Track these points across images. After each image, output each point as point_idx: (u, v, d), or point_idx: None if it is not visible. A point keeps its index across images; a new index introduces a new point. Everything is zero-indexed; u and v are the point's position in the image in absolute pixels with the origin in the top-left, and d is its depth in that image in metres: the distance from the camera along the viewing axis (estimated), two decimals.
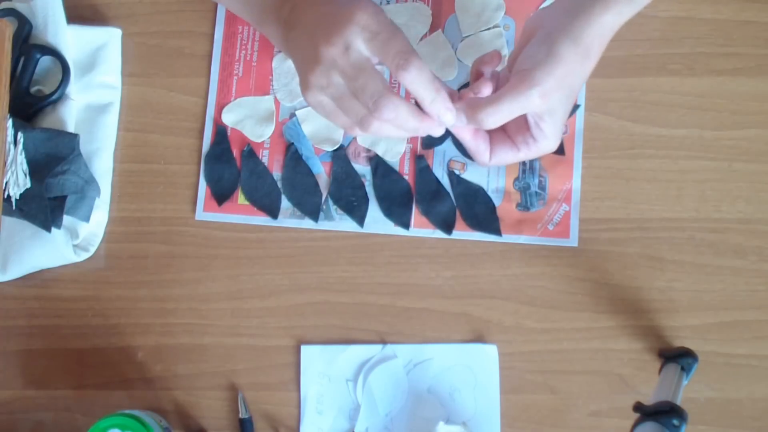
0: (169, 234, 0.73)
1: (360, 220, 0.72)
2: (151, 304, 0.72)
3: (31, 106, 0.72)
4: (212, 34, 0.75)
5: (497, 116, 0.56)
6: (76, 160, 0.70)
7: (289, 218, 0.72)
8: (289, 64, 0.74)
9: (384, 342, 0.71)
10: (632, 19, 0.60)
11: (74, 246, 0.71)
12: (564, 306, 0.70)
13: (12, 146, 0.69)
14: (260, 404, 0.70)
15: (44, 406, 0.71)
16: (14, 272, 0.71)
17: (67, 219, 0.70)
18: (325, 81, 0.57)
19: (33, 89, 0.73)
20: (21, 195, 0.69)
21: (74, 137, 0.70)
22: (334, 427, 0.70)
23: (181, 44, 0.75)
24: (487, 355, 0.70)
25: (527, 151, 0.61)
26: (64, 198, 0.70)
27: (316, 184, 0.73)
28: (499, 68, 0.62)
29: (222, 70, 0.75)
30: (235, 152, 0.73)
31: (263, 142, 0.74)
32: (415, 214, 0.72)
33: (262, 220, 0.72)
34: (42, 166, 0.69)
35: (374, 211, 0.72)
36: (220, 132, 0.74)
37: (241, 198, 0.73)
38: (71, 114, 0.72)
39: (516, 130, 0.61)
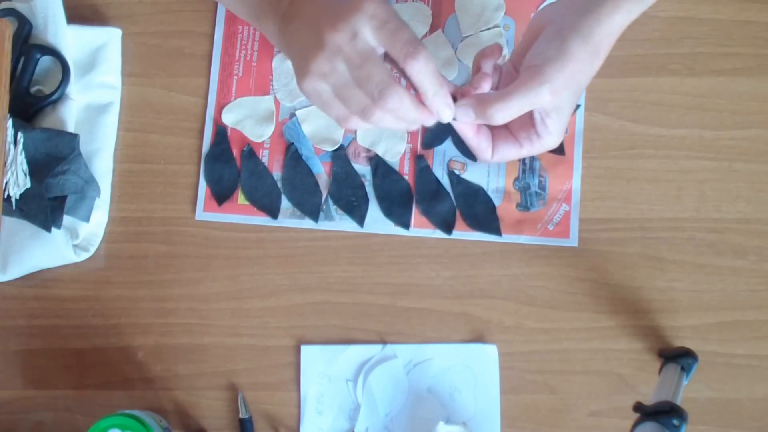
0: (169, 234, 0.73)
1: (360, 220, 0.72)
2: (151, 304, 0.72)
3: (31, 106, 0.72)
4: (212, 34, 0.75)
5: (507, 112, 0.57)
6: (76, 160, 0.70)
7: (289, 218, 0.72)
8: (289, 64, 0.74)
9: (384, 342, 0.71)
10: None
11: (74, 246, 0.71)
12: (564, 306, 0.70)
13: (12, 146, 0.69)
14: (260, 404, 0.70)
15: (44, 406, 0.71)
16: (14, 272, 0.71)
17: (67, 219, 0.70)
18: (328, 68, 0.56)
19: (33, 89, 0.73)
20: (21, 195, 0.69)
21: (74, 137, 0.70)
22: (334, 427, 0.70)
23: (181, 44, 0.75)
24: (487, 355, 0.70)
25: (530, 147, 0.61)
26: (64, 198, 0.70)
27: (316, 184, 0.73)
28: (500, 62, 0.62)
29: (222, 70, 0.75)
30: (235, 152, 0.73)
31: (263, 142, 0.74)
32: (415, 214, 0.72)
33: (262, 220, 0.72)
34: (42, 166, 0.69)
35: (374, 211, 0.72)
36: (220, 132, 0.74)
37: (241, 198, 0.73)
38: (71, 114, 0.72)
39: (519, 126, 0.61)
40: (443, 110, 0.58)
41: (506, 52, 0.73)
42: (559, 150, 0.71)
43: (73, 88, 0.73)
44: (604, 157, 0.72)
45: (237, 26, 0.75)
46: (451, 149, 0.73)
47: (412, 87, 0.58)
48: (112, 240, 0.73)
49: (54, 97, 0.72)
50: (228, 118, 0.74)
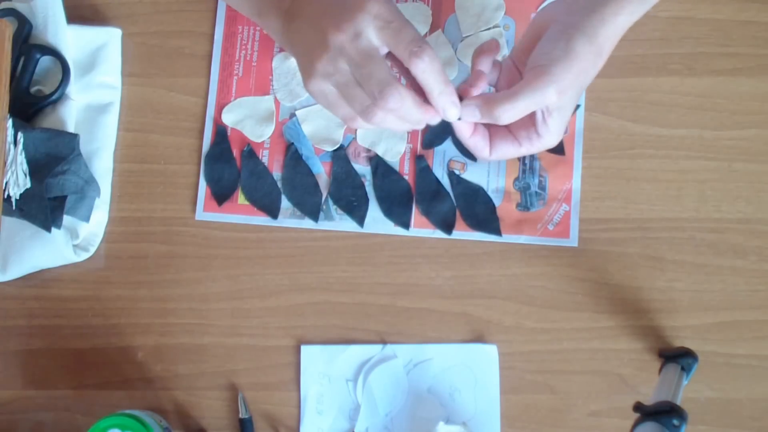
0: (169, 234, 0.73)
1: (360, 220, 0.72)
2: (151, 304, 0.72)
3: (31, 106, 0.72)
4: (212, 34, 0.75)
5: (513, 112, 0.57)
6: (76, 160, 0.70)
7: (289, 218, 0.72)
8: (289, 64, 0.74)
9: (384, 342, 0.71)
10: None
11: (74, 246, 0.71)
12: (564, 306, 0.70)
13: (12, 146, 0.69)
14: (260, 404, 0.70)
15: (44, 406, 0.71)
16: (14, 272, 0.71)
17: (67, 219, 0.70)
18: (331, 68, 0.56)
19: (33, 89, 0.73)
20: (21, 195, 0.69)
21: (74, 137, 0.70)
22: (334, 427, 0.70)
23: (181, 44, 0.75)
24: (487, 355, 0.70)
25: (529, 146, 0.61)
26: (64, 198, 0.70)
27: (316, 184, 0.73)
28: (499, 57, 0.62)
29: (222, 70, 0.75)
30: (235, 152, 0.73)
31: (263, 142, 0.74)
32: (415, 214, 0.72)
33: (262, 220, 0.72)
34: (42, 166, 0.69)
35: (374, 211, 0.72)
36: (220, 132, 0.74)
37: (241, 198, 0.73)
38: (71, 114, 0.72)
39: (519, 125, 0.60)
40: (449, 109, 0.58)
41: (506, 53, 0.73)
42: (559, 150, 0.71)
43: (73, 88, 0.73)
44: (604, 157, 0.72)
45: (237, 26, 0.75)
46: (451, 149, 0.73)
47: (412, 87, 0.58)
48: (112, 240, 0.73)
49: (54, 97, 0.72)
50: (228, 118, 0.74)
